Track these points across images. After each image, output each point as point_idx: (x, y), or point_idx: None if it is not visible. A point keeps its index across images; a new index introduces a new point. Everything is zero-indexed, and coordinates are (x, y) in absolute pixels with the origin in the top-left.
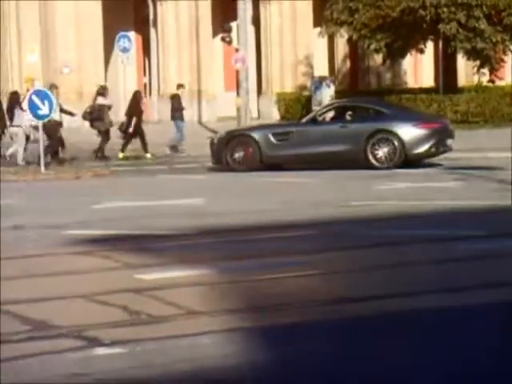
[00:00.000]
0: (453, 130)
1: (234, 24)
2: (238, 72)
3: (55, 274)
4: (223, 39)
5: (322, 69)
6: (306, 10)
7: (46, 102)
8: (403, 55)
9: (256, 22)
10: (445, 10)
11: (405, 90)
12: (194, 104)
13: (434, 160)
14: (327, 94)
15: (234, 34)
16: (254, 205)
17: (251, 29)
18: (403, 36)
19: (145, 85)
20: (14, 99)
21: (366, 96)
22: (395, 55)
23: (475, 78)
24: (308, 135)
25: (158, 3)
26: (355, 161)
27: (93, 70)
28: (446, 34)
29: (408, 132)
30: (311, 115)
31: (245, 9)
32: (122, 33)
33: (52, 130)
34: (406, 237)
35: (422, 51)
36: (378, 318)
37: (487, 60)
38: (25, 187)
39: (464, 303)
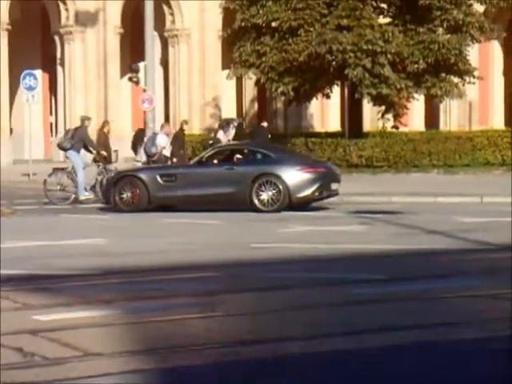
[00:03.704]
0: (338, 175)
1: (141, 64)
2: (145, 112)
3: None
4: (131, 79)
5: (230, 111)
6: (215, 51)
7: None
8: (309, 99)
9: (164, 62)
10: (351, 55)
11: (311, 133)
12: None
13: (323, 203)
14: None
15: (141, 75)
16: (155, 245)
17: (159, 69)
18: (310, 80)
19: (51, 124)
20: (139, 136)
21: (273, 139)
22: (302, 99)
23: (380, 124)
24: (194, 177)
25: (66, 42)
26: (241, 203)
27: None
28: (352, 79)
29: (292, 176)
30: (198, 157)
31: (153, 49)
32: (27, 71)
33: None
34: (305, 279)
35: (328, 96)
36: (274, 360)
37: (391, 106)
38: None
39: (360, 346)
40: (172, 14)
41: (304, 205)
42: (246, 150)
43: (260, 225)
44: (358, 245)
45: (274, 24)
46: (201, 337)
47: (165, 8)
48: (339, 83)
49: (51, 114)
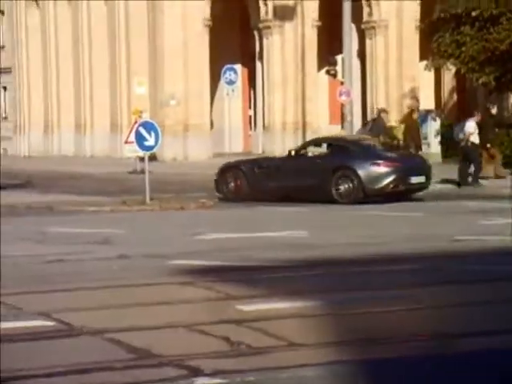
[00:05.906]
0: (423, 169)
1: (339, 57)
2: (342, 105)
3: (159, 303)
4: (328, 72)
5: (428, 102)
6: (412, 42)
7: (153, 134)
8: None
9: (361, 54)
10: None
11: None
12: (299, 136)
13: (417, 195)
14: (433, 128)
15: (339, 67)
16: (355, 238)
17: (356, 62)
18: None
19: (250, 117)
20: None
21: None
22: (503, 89)
23: None
24: (282, 169)
25: (265, 37)
26: (322, 195)
27: (198, 102)
28: None
29: (365, 169)
30: (288, 151)
31: (350, 42)
32: (228, 65)
33: (472, 152)
34: (508, 273)
35: None
36: (478, 354)
37: None
38: (130, 217)
39: None
40: (369, 6)
41: (380, 197)
42: (331, 144)
43: (461, 217)
44: None
45: (473, 13)
46: (403, 329)
47: (362, 0)
48: None
49: (250, 107)
